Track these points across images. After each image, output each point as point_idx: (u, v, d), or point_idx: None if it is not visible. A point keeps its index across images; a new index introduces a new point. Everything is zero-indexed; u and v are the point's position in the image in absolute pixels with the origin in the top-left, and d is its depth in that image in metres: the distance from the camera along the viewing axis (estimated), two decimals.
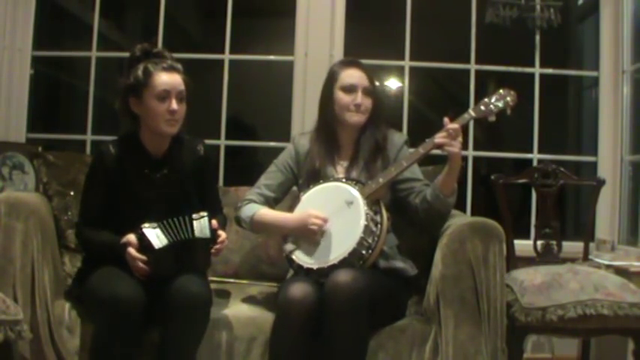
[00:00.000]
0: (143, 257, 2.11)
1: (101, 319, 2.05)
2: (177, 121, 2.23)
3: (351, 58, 2.54)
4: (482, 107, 2.27)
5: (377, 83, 2.47)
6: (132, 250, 2.12)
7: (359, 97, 2.36)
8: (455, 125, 2.20)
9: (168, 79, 2.20)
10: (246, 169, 3.68)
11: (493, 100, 2.27)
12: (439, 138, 2.20)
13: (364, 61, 2.50)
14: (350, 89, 2.37)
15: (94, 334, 2.08)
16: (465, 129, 2.26)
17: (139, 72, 2.21)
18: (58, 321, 2.22)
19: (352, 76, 2.39)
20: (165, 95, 2.19)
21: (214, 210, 2.37)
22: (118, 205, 2.26)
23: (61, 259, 2.47)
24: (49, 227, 2.38)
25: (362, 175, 2.36)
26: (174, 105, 2.19)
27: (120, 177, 2.25)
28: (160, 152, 2.30)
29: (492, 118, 2.25)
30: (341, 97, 2.38)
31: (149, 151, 2.29)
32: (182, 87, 2.23)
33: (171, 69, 2.23)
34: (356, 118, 2.38)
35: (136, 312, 2.03)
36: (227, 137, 3.42)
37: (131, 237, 2.14)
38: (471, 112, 2.27)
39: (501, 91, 2.28)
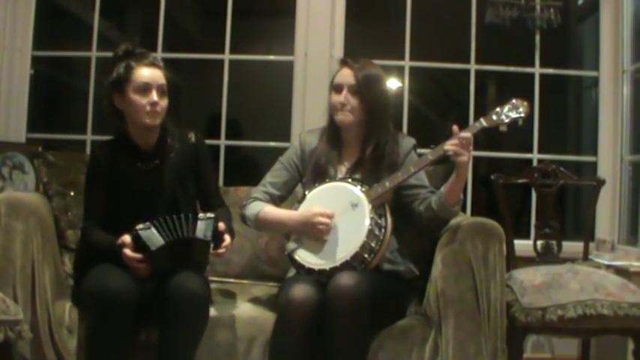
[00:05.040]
0: (139, 256, 2.10)
1: (92, 311, 2.05)
2: (158, 113, 2.26)
3: (344, 58, 2.49)
4: (494, 117, 2.19)
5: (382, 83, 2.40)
6: (127, 252, 2.10)
7: (342, 96, 2.33)
8: (467, 134, 2.14)
9: (148, 72, 2.25)
10: (242, 168, 3.68)
11: (506, 109, 2.19)
12: (449, 145, 2.15)
13: None
14: (337, 88, 2.36)
15: (87, 327, 2.09)
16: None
17: (121, 69, 2.26)
18: (58, 321, 2.21)
19: (340, 75, 2.37)
20: (145, 88, 2.24)
21: (216, 201, 2.41)
22: (117, 202, 2.28)
23: (61, 259, 2.47)
24: (49, 227, 2.38)
25: (366, 177, 2.33)
26: (154, 97, 2.24)
27: (115, 174, 2.28)
28: (149, 145, 2.33)
29: (503, 129, 2.18)
30: (331, 96, 2.38)
31: (138, 145, 2.32)
32: (163, 81, 2.28)
33: (151, 64, 2.28)
34: (340, 117, 2.35)
35: (127, 304, 2.02)
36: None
37: (126, 238, 2.13)
38: (482, 121, 2.19)
39: (514, 100, 2.21)
